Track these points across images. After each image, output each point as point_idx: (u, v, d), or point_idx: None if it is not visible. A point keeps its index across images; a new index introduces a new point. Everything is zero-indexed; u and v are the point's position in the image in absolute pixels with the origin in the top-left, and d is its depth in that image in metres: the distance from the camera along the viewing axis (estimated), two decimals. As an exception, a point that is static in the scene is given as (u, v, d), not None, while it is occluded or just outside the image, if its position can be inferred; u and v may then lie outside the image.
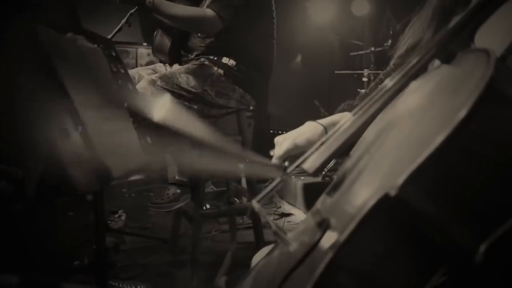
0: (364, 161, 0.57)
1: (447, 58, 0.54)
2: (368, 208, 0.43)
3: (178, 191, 1.76)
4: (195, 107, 1.57)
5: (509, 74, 0.43)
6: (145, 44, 2.80)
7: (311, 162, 0.59)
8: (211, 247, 2.07)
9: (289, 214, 2.75)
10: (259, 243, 1.77)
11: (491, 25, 0.56)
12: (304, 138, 0.75)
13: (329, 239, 0.47)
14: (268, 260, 0.66)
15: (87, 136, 0.58)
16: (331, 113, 0.95)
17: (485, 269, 0.40)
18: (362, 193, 0.48)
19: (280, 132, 3.84)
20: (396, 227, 0.43)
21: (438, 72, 0.56)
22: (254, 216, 1.82)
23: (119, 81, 0.82)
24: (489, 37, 0.57)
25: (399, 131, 0.53)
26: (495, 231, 0.39)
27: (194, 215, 1.69)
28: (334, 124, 0.78)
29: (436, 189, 0.41)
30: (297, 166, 0.60)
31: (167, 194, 1.75)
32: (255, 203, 0.63)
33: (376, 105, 0.61)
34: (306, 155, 0.62)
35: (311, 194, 2.62)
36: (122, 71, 0.88)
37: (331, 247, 0.44)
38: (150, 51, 2.17)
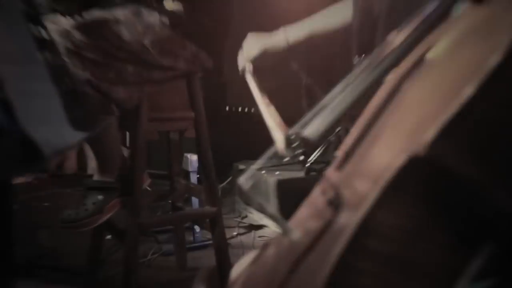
0: (380, 123, 0.66)
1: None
2: (391, 174, 0.52)
3: (100, 197, 1.77)
4: (130, 69, 1.61)
5: None
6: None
7: (313, 127, 0.69)
8: (151, 276, 2.14)
9: (259, 227, 2.86)
10: (224, 266, 1.85)
11: None
12: (274, 49, 0.88)
13: (345, 216, 0.56)
14: (258, 264, 0.75)
15: (7, 96, 0.62)
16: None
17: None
18: (382, 158, 0.57)
19: (239, 110, 3.92)
20: (427, 195, 0.52)
21: (462, 18, 0.66)
22: (215, 226, 1.90)
23: (33, 26, 0.85)
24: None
25: (420, 85, 0.62)
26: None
27: (129, 228, 1.73)
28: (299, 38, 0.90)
29: (470, 145, 0.50)
30: (295, 137, 0.69)
31: (84, 205, 1.75)
32: (243, 182, 0.71)
33: (387, 60, 0.71)
34: (303, 120, 0.72)
35: (287, 196, 2.74)
36: (32, 12, 0.91)
37: (349, 225, 0.53)
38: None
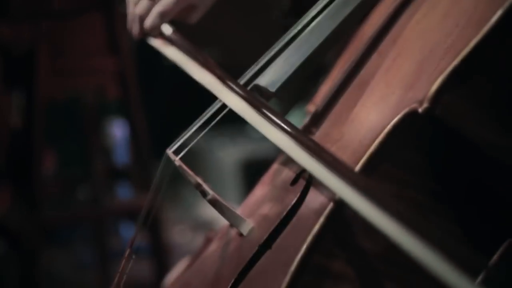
0: (366, 68, 0.68)
1: None
2: (380, 138, 0.53)
3: None
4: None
5: None
6: None
7: (272, 74, 0.69)
8: None
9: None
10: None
11: None
12: None
13: (315, 198, 0.58)
14: (196, 268, 0.76)
15: None
16: None
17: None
18: (369, 117, 0.59)
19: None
20: (428, 165, 0.54)
21: None
22: (152, 224, 1.91)
23: None
24: None
25: (424, 16, 0.64)
26: None
27: (26, 229, 1.74)
28: None
29: (488, 99, 0.53)
30: (247, 84, 0.69)
31: None
32: (171, 154, 0.71)
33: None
34: (257, 64, 0.72)
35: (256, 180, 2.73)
36: None
37: (319, 209, 0.54)
38: None
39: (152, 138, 1.95)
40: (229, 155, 2.81)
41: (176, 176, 0.74)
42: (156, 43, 0.81)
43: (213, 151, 2.87)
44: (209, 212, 2.94)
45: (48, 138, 1.91)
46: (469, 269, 0.54)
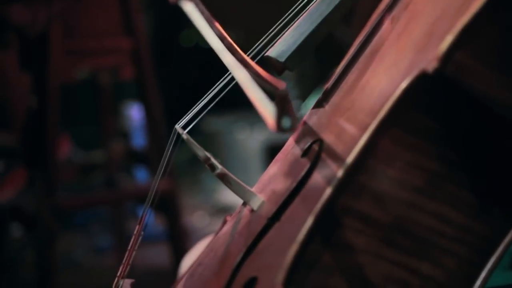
0: (382, 35, 0.67)
1: None
2: (391, 104, 0.52)
3: None
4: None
5: None
6: None
7: (281, 44, 0.70)
8: (79, 282, 2.19)
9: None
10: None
11: None
12: None
13: (325, 171, 0.57)
14: (210, 248, 0.77)
15: None
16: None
17: None
18: (380, 84, 0.58)
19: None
20: (441, 131, 0.53)
21: None
22: (169, 208, 1.91)
23: None
24: None
25: None
26: None
27: (42, 212, 1.75)
28: None
29: (502, 55, 0.52)
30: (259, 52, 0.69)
31: None
32: (180, 129, 0.72)
33: None
34: (268, 35, 0.72)
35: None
36: None
37: (329, 182, 0.54)
38: None
39: (169, 121, 1.96)
40: (254, 138, 2.82)
41: (196, 162, 0.76)
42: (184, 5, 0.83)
43: (237, 135, 2.89)
44: (229, 198, 2.97)
45: (65, 122, 1.91)
46: (481, 240, 0.55)
